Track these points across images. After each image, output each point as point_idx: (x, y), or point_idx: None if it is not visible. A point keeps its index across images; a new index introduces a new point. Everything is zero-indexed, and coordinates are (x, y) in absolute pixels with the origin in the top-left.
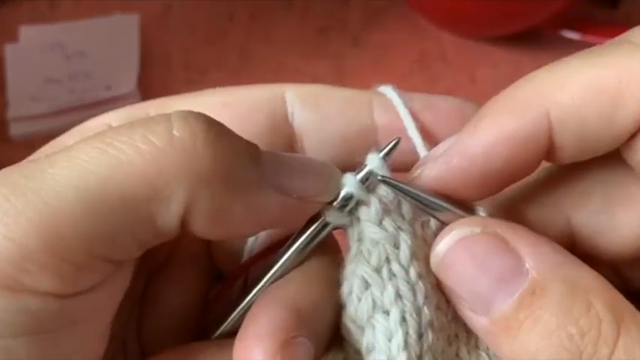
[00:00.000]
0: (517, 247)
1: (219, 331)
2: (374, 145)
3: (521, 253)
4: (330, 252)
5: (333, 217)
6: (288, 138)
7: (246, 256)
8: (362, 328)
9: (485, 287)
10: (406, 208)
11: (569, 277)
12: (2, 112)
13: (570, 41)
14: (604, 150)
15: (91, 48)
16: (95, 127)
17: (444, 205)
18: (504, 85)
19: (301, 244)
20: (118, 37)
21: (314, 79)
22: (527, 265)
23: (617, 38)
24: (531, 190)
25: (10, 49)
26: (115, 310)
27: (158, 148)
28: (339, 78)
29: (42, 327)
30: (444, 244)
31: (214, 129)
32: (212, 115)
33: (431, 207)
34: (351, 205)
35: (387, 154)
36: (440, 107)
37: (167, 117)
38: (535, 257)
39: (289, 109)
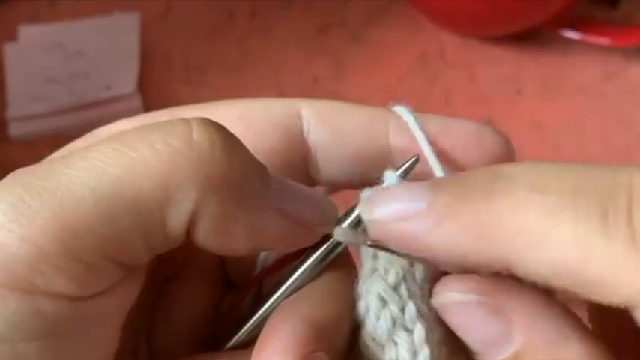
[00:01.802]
0: (509, 314)
1: (231, 343)
2: (391, 166)
3: (512, 320)
4: (344, 266)
5: (346, 236)
6: (302, 154)
7: (259, 267)
8: (382, 346)
9: (474, 342)
10: None
11: (553, 356)
12: (2, 112)
13: (571, 41)
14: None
15: (91, 48)
16: (105, 135)
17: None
18: (504, 84)
19: (314, 260)
20: (118, 37)
21: (314, 78)
22: (514, 335)
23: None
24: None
25: (9, 49)
26: (124, 317)
27: (176, 150)
28: (338, 76)
29: (54, 330)
30: (439, 299)
31: (231, 139)
32: (228, 125)
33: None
34: (365, 224)
35: (405, 171)
36: (457, 131)
37: (187, 122)
38: (524, 328)
39: (305, 125)
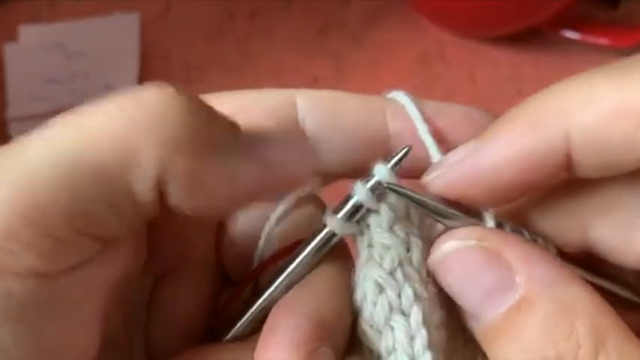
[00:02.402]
0: (510, 260)
1: (229, 335)
2: (387, 153)
3: (513, 267)
4: (342, 257)
5: (340, 227)
6: (299, 144)
7: (256, 262)
8: (379, 332)
9: (475, 299)
10: (414, 212)
11: (557, 297)
12: (2, 112)
13: (571, 41)
14: (627, 170)
15: (91, 48)
16: None
17: (452, 212)
18: (504, 85)
19: (310, 251)
20: (117, 37)
21: (314, 78)
22: (517, 280)
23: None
24: (548, 198)
25: (9, 49)
26: (105, 297)
27: (128, 113)
28: (339, 77)
29: (28, 312)
30: (439, 253)
31: (188, 98)
32: None
33: (438, 214)
34: (360, 214)
35: (397, 162)
36: (451, 113)
37: (140, 88)
38: (526, 273)
39: (300, 115)
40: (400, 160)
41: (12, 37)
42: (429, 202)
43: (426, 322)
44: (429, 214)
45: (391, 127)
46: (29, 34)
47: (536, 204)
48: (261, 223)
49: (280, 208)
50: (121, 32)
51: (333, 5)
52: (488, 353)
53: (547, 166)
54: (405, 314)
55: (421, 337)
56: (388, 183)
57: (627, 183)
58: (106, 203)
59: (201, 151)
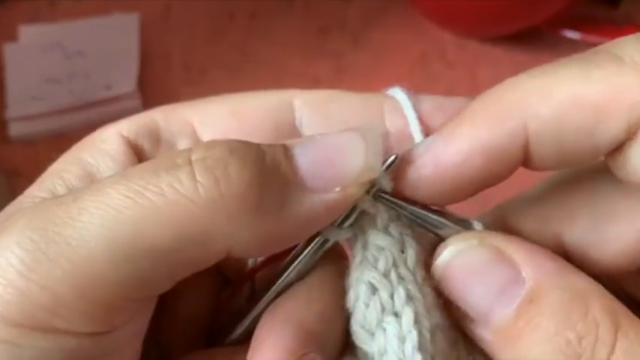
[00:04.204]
0: (513, 257)
1: (227, 340)
2: (387, 150)
3: (517, 262)
4: (335, 260)
5: (335, 234)
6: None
7: (252, 262)
8: (372, 333)
9: (483, 299)
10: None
11: (566, 284)
12: (2, 112)
13: (571, 41)
14: (583, 161)
15: (91, 48)
16: (107, 139)
17: (441, 220)
18: None
19: (305, 255)
20: (117, 37)
21: (314, 79)
22: (524, 274)
23: (603, 48)
24: (525, 204)
25: (9, 49)
26: (144, 334)
27: (184, 197)
28: (339, 78)
29: None
30: (442, 258)
31: (235, 161)
32: (219, 125)
33: (428, 222)
34: (354, 216)
35: (385, 169)
36: (452, 108)
37: (188, 160)
38: (532, 266)
39: (297, 117)
40: (388, 167)
41: (12, 37)
42: (417, 210)
43: (418, 324)
44: (418, 222)
45: (390, 125)
46: (29, 34)
47: (515, 211)
48: None
49: None
50: (121, 32)
51: (333, 5)
52: (504, 357)
53: (507, 158)
54: (397, 315)
55: (412, 338)
56: (379, 193)
57: (593, 181)
58: (163, 274)
59: (261, 215)
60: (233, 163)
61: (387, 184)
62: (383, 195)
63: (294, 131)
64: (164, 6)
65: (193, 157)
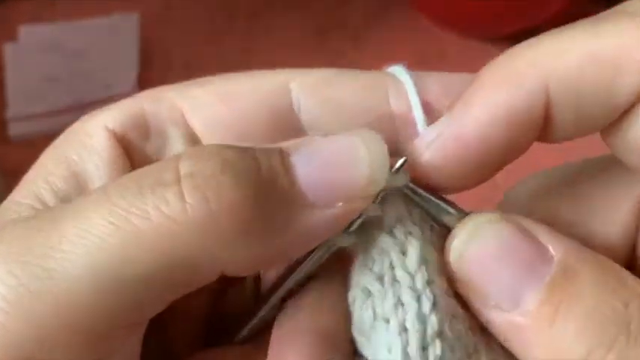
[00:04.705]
0: (537, 234)
1: (235, 339)
2: (392, 133)
3: (542, 240)
4: (345, 260)
5: (341, 241)
6: (294, 132)
7: None
8: (367, 338)
9: (512, 278)
10: (416, 213)
11: (594, 258)
12: (1, 112)
13: None
14: (600, 125)
15: (91, 47)
16: (92, 132)
17: (458, 210)
18: None
19: (308, 263)
20: (117, 37)
21: None
22: (551, 251)
23: (614, 9)
24: (520, 200)
25: (9, 49)
26: (139, 352)
27: (172, 220)
28: None
29: None
30: (461, 238)
31: (228, 179)
32: (211, 111)
33: (443, 212)
34: (360, 221)
35: (395, 171)
36: (461, 85)
37: (175, 176)
38: (557, 243)
39: (295, 100)
40: (398, 170)
41: (12, 37)
42: (440, 203)
43: (405, 332)
44: (433, 214)
45: (395, 108)
46: (29, 34)
47: (512, 208)
48: None
49: None
50: (121, 32)
51: (333, 5)
52: (536, 346)
53: (529, 122)
54: (387, 322)
55: (396, 348)
56: (408, 187)
57: (584, 175)
58: (154, 300)
59: (255, 235)
60: (226, 181)
61: (401, 181)
62: (412, 187)
63: (291, 117)
64: (164, 6)
65: (182, 172)
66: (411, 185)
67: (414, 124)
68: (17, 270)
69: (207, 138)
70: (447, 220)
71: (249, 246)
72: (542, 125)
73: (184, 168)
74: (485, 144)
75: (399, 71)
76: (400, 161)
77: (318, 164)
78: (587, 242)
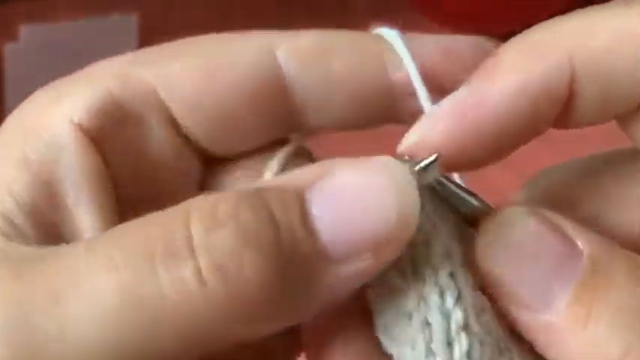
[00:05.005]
0: (565, 229)
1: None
2: (391, 102)
3: (571, 235)
4: None
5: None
6: (284, 106)
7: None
8: (391, 337)
9: (542, 276)
10: (440, 205)
11: (621, 251)
12: (1, 111)
13: None
14: (624, 108)
15: (91, 48)
16: (56, 129)
17: (484, 204)
18: None
19: None
20: (117, 37)
21: None
22: (580, 246)
23: None
24: (531, 197)
25: (9, 49)
26: None
27: (190, 300)
28: None
29: None
30: (489, 235)
31: (250, 254)
32: (190, 89)
33: (469, 205)
34: None
35: (422, 168)
36: (460, 54)
37: (191, 250)
38: (585, 237)
39: (284, 71)
40: (426, 167)
41: (12, 37)
42: (465, 196)
43: (427, 325)
44: (457, 205)
45: (395, 77)
46: (29, 34)
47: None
48: (256, 176)
49: (274, 164)
50: (120, 32)
51: (333, 5)
52: (570, 346)
53: (553, 97)
54: (410, 317)
55: (419, 344)
56: (442, 179)
57: (597, 171)
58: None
59: (288, 301)
60: (247, 259)
61: (430, 177)
62: (439, 180)
63: (281, 90)
64: (163, 6)
65: (195, 241)
66: (440, 179)
67: (413, 93)
68: (25, 335)
69: (187, 122)
70: (472, 213)
71: (273, 318)
72: (564, 104)
73: (198, 236)
74: (506, 116)
75: (390, 35)
76: (430, 158)
77: (341, 215)
78: (610, 236)
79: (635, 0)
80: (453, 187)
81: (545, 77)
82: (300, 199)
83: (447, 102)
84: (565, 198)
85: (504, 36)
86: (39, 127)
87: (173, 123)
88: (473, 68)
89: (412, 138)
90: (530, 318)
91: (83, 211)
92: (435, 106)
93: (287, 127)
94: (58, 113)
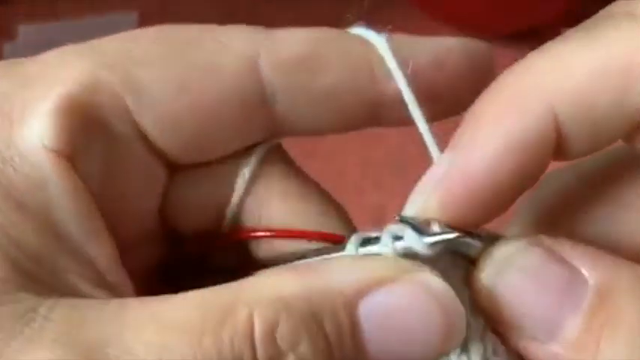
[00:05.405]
0: (567, 256)
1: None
2: (378, 108)
3: (573, 261)
4: None
5: None
6: (262, 118)
7: (229, 216)
8: None
9: (549, 307)
10: (444, 253)
11: (628, 273)
12: None
13: None
14: (617, 135)
15: None
16: (28, 154)
17: (481, 239)
18: None
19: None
20: None
21: None
22: (584, 272)
23: (604, 13)
24: (535, 209)
25: (9, 48)
26: None
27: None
28: None
29: None
30: (489, 272)
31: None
32: (165, 105)
33: (469, 247)
34: None
35: (437, 242)
36: (454, 67)
37: (250, 333)
38: (589, 261)
39: (265, 83)
40: (443, 241)
41: (11, 36)
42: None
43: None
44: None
45: (384, 88)
46: (29, 33)
47: (528, 220)
48: (230, 177)
49: (253, 161)
50: (120, 31)
51: (333, 5)
52: None
53: (540, 148)
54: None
55: None
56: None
57: (602, 181)
58: None
59: None
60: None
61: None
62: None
63: (260, 105)
64: (162, 5)
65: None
66: (445, 237)
67: (403, 105)
68: None
69: (156, 135)
70: (473, 252)
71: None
72: (555, 146)
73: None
74: (495, 178)
75: (379, 42)
76: (452, 236)
77: (389, 335)
78: (616, 249)
79: (599, 25)
80: (451, 235)
81: (528, 133)
82: (351, 319)
83: (434, 173)
84: (567, 208)
85: (505, 36)
86: (7, 153)
87: (141, 134)
88: (466, 79)
89: (409, 212)
90: (538, 349)
91: (89, 242)
92: (425, 179)
93: (264, 135)
94: (30, 137)
